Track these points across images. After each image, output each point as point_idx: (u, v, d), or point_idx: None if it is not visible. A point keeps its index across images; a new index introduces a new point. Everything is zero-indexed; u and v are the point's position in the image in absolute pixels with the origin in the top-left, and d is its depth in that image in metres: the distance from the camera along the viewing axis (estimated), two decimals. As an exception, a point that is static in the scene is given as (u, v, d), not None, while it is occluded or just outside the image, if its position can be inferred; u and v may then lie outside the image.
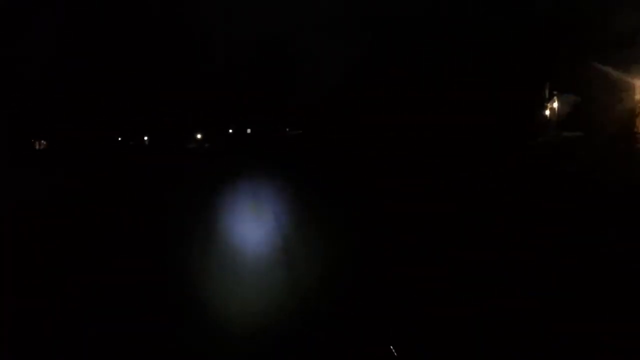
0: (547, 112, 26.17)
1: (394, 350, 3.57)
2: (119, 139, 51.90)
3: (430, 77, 32.35)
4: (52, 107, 44.69)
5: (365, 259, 6.13)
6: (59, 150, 41.71)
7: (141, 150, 46.80)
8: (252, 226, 8.11)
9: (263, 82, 59.32)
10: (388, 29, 40.26)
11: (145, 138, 53.70)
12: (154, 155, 41.54)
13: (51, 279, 5.74)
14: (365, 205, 9.60)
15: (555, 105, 25.26)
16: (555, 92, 25.05)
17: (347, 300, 4.72)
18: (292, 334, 4.12)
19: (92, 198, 13.09)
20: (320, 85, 51.16)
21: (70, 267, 6.34)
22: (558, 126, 24.20)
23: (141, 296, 5.22)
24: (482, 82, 29.84)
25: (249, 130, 63.29)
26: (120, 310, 4.85)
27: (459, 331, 4.03)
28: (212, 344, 4.05)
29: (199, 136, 56.82)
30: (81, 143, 44.79)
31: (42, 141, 45.65)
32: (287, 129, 64.18)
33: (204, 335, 4.16)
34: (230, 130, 62.51)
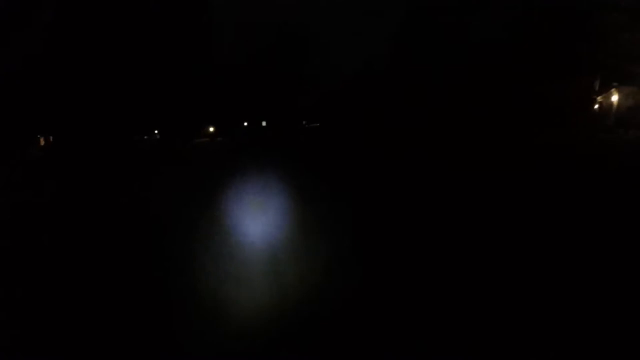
0: (597, 107, 22.78)
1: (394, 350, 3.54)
2: (130, 134, 50.08)
3: (465, 71, 29.70)
4: (65, 104, 43.16)
5: (378, 257, 5.77)
6: (67, 146, 40.29)
7: (151, 146, 44.80)
8: (259, 223, 7.99)
9: (279, 73, 56.84)
10: (421, 17, 37.09)
11: (156, 132, 51.65)
12: (164, 150, 39.08)
13: (55, 279, 5.68)
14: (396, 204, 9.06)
15: (615, 98, 21.48)
16: (615, 84, 21.27)
17: (349, 299, 4.40)
18: (291, 332, 3.89)
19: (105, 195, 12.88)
20: (340, 78, 48.62)
21: (73, 265, 6.24)
22: (617, 123, 20.43)
23: (143, 291, 5.10)
24: (521, 75, 26.97)
25: (264, 123, 60.94)
26: (119, 306, 4.68)
27: (461, 330, 3.78)
28: (210, 341, 3.79)
29: (211, 129, 54.55)
30: (90, 140, 43.28)
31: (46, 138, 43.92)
32: (304, 122, 61.62)
33: (202, 333, 3.95)
34: (245, 123, 60.23)
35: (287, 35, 52.22)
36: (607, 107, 22.25)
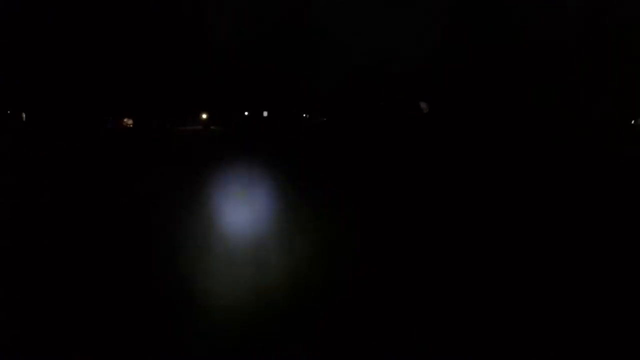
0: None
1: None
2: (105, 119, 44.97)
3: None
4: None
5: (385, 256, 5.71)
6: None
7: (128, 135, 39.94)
8: (257, 220, 7.73)
9: (283, 58, 51.57)
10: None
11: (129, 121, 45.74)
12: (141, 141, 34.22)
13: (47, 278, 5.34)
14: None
15: None
16: None
17: (348, 299, 4.45)
18: (289, 332, 3.89)
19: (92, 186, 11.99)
20: (350, 67, 43.50)
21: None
22: None
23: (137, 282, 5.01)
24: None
25: (265, 114, 55.85)
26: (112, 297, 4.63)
27: (461, 330, 3.79)
28: (210, 341, 3.75)
29: (204, 116, 49.26)
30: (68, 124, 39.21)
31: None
32: (307, 115, 56.35)
33: (201, 333, 3.89)
34: (246, 113, 55.16)
35: (300, 19, 46.78)
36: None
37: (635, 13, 25.22)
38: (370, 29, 39.41)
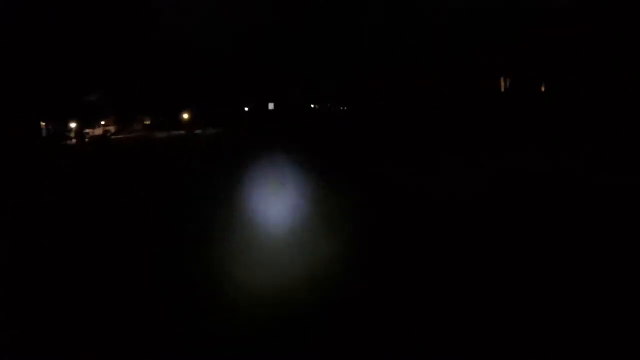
0: None
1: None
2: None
3: None
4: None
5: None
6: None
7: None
8: (262, 219, 7.93)
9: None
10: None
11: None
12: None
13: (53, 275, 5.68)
14: None
15: None
16: None
17: (350, 299, 4.51)
18: (291, 331, 3.93)
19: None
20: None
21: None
22: None
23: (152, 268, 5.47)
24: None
25: (271, 106, 46.17)
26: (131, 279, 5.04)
27: (461, 330, 3.81)
28: (209, 340, 3.86)
29: (185, 115, 38.61)
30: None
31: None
32: (314, 105, 47.01)
33: (202, 333, 4.02)
34: (246, 109, 45.37)
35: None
36: None
37: None
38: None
